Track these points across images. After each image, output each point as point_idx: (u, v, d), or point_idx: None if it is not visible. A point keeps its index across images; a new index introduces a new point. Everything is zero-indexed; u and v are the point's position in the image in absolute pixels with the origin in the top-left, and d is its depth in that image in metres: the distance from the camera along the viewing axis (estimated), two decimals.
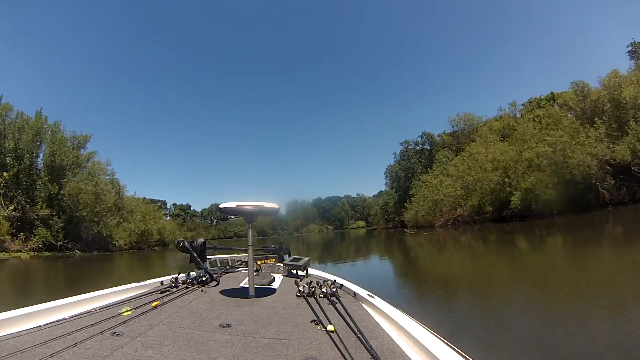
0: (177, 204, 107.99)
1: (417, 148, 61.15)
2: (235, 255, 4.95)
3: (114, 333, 1.70)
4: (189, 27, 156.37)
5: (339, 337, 1.70)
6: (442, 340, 1.63)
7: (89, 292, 2.50)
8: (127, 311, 2.09)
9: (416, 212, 43.02)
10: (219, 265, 4.42)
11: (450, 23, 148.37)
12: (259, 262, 4.24)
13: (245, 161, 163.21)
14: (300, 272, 3.83)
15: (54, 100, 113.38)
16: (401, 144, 61.65)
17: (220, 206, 2.75)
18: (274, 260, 4.76)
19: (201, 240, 3.61)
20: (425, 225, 40.53)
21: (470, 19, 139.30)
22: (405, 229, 43.36)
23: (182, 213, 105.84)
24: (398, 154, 62.01)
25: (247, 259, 3.43)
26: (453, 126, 53.42)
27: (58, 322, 1.85)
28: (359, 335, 1.72)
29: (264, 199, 2.72)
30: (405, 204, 49.22)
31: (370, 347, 1.55)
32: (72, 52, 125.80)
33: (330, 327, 1.83)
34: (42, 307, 2.04)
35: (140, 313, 2.08)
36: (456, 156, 44.38)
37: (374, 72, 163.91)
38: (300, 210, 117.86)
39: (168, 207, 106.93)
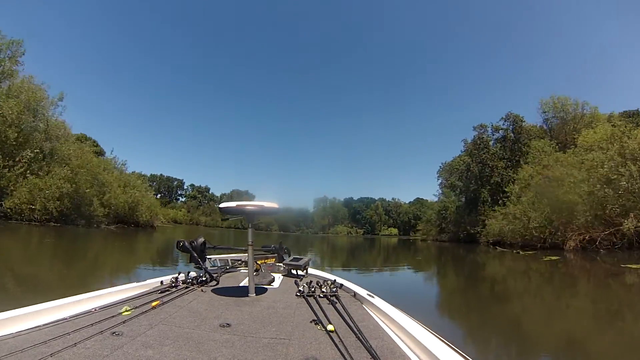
0: (196, 185, 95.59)
1: (498, 136, 45.09)
2: (235, 255, 4.83)
3: (113, 333, 1.70)
4: (233, 18, 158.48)
5: (339, 337, 1.72)
6: (442, 340, 1.64)
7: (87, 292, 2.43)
8: (126, 311, 2.06)
9: (525, 221, 24.29)
10: (218, 265, 4.26)
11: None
12: (258, 262, 4.21)
13: (276, 154, 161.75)
14: (300, 272, 3.87)
15: (83, 80, 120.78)
16: (474, 128, 43.84)
17: (220, 206, 2.79)
18: (273, 260, 4.77)
19: (201, 239, 3.55)
20: (534, 244, 22.23)
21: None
22: (513, 250, 24.20)
23: (199, 195, 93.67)
24: (470, 142, 43.38)
25: (247, 258, 3.55)
26: (545, 112, 41.86)
27: (57, 322, 1.83)
28: (359, 335, 1.74)
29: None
30: (495, 208, 34.70)
31: (370, 347, 1.57)
32: (103, 39, 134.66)
33: (330, 327, 1.84)
34: (41, 307, 1.98)
35: (140, 313, 2.07)
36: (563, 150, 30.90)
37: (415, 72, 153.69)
38: (329, 209, 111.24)
39: (185, 187, 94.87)
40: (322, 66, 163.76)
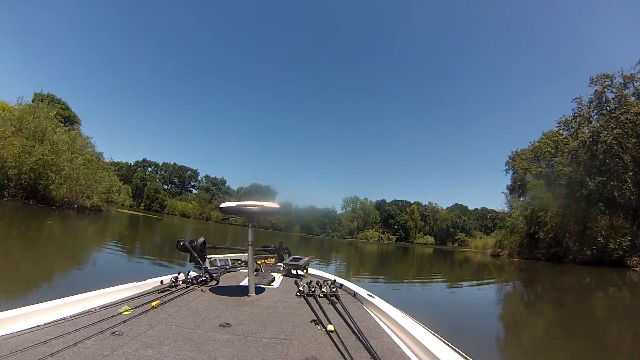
0: (211, 176, 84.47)
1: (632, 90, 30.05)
2: (235, 255, 4.78)
3: (113, 333, 1.70)
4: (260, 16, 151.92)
5: (339, 337, 1.74)
6: (442, 341, 1.65)
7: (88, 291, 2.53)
8: (126, 311, 2.05)
9: None
10: (218, 264, 4.25)
11: None
12: (258, 262, 4.20)
13: (302, 152, 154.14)
14: (300, 272, 3.85)
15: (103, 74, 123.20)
16: (592, 81, 25.75)
17: (221, 206, 2.81)
18: (274, 260, 4.74)
19: (201, 239, 3.56)
20: None
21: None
22: None
23: (213, 188, 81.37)
24: (587, 100, 25.93)
25: (247, 258, 3.63)
26: None
27: (58, 322, 1.82)
28: (359, 335, 1.77)
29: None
30: None
31: (370, 347, 1.59)
32: (123, 36, 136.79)
33: (330, 327, 1.87)
34: (41, 307, 1.95)
35: (140, 312, 2.07)
36: None
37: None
38: (359, 210, 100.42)
39: (199, 178, 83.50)
40: (358, 67, 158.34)
